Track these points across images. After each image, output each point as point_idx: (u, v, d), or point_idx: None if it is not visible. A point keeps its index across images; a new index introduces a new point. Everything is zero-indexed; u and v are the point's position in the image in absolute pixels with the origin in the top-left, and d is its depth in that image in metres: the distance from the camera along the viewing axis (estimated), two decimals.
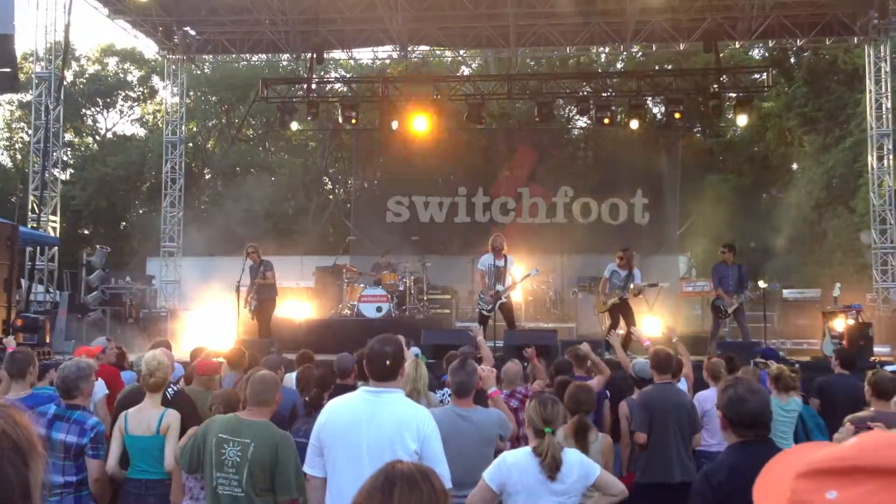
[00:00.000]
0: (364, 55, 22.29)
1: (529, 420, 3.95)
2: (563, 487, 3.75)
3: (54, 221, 17.20)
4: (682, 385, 6.80)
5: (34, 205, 16.84)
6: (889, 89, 17.87)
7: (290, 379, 6.93)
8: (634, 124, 17.93)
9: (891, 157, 17.94)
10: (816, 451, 1.03)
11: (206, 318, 15.17)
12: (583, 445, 4.70)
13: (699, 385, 7.23)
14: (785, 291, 16.21)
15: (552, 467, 3.71)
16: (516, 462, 3.80)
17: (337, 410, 3.78)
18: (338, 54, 22.87)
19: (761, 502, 1.05)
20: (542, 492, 3.73)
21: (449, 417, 4.44)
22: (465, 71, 29.04)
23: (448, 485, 3.55)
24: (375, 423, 3.61)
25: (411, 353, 4.75)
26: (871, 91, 18.07)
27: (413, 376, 5.45)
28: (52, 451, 4.78)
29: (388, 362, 3.75)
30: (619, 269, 11.94)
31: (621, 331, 11.35)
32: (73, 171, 31.68)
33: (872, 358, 11.01)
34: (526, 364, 7.35)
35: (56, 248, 17.07)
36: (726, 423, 3.32)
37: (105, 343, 7.79)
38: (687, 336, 13.73)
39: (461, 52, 21.52)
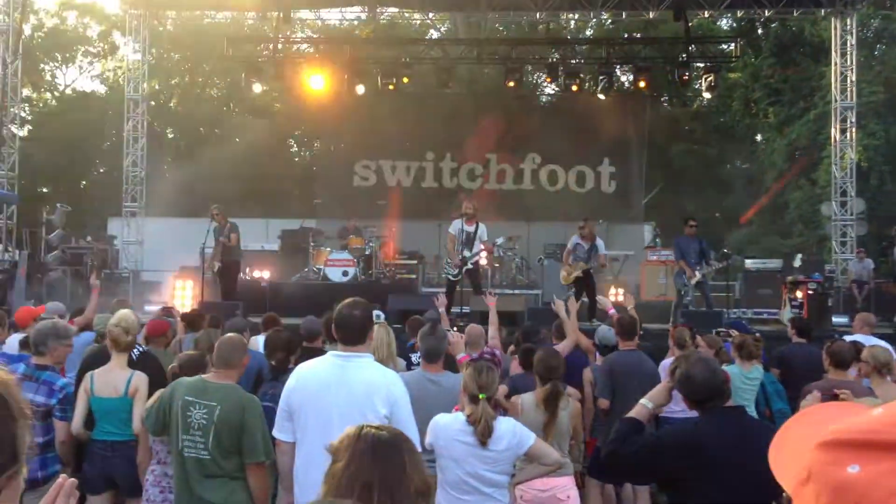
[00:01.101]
0: (332, 16, 21.92)
1: (464, 386, 3.96)
2: (492, 455, 3.77)
3: (13, 178, 16.82)
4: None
5: None
6: (854, 62, 18.04)
7: (256, 342, 6.89)
8: (602, 92, 17.93)
9: (854, 129, 18.18)
10: (838, 418, 0.98)
11: (169, 279, 14.99)
12: (553, 412, 4.73)
13: (657, 354, 7.30)
14: (747, 262, 16.44)
15: (485, 434, 3.73)
16: (445, 426, 3.83)
17: (306, 375, 3.75)
18: (305, 14, 22.46)
19: (778, 471, 1.02)
20: (469, 458, 3.75)
21: (418, 382, 4.45)
22: (434, 34, 28.77)
23: (418, 449, 3.57)
24: (345, 387, 3.59)
25: (375, 315, 4.75)
26: (836, 64, 18.23)
27: (386, 340, 5.44)
28: None
29: (357, 326, 3.73)
30: (582, 241, 12.02)
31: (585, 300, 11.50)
32: (31, 128, 30.94)
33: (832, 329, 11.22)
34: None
35: (15, 206, 16.72)
36: (687, 402, 3.38)
37: (60, 308, 7.50)
38: (651, 304, 13.96)
39: (430, 14, 21.26)
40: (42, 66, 32.84)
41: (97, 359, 5.42)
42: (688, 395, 3.32)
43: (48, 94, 34.12)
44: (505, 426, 3.85)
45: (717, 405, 3.30)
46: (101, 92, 33.53)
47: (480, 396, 3.82)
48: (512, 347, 7.18)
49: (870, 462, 0.88)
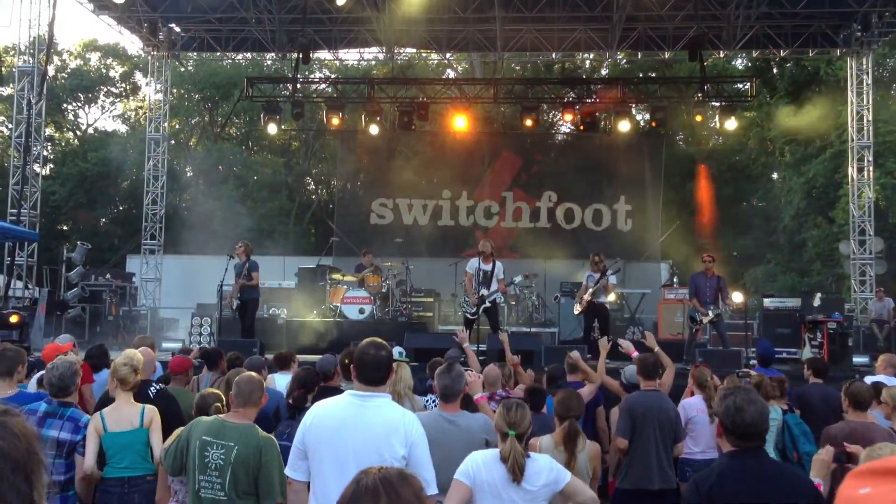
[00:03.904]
0: (350, 56, 22.22)
1: (496, 424, 4.01)
2: (531, 491, 3.77)
3: (34, 217, 17.03)
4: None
5: (14, 200, 16.67)
6: (870, 101, 18.05)
7: (272, 380, 6.89)
8: (618, 130, 18.02)
9: (871, 168, 18.13)
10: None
11: (186, 317, 15.06)
12: (571, 452, 4.70)
13: (675, 394, 7.24)
14: (766, 300, 16.31)
15: (514, 470, 3.74)
16: (485, 461, 3.82)
17: (323, 414, 3.73)
18: (323, 55, 22.80)
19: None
20: (508, 494, 3.75)
21: (436, 422, 4.42)
22: (451, 74, 29.07)
23: (434, 490, 3.55)
24: (363, 427, 3.57)
25: (394, 352, 4.74)
26: (852, 103, 18.25)
27: (393, 379, 5.42)
28: (42, 449, 4.70)
29: (382, 367, 3.74)
30: (594, 272, 12.21)
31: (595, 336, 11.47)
32: (52, 167, 31.38)
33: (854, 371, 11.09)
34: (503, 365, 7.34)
35: (36, 243, 16.90)
36: (722, 431, 3.32)
37: (71, 340, 7.61)
38: (668, 343, 13.84)
39: (447, 55, 21.50)
40: (65, 105, 33.40)
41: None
42: (729, 426, 3.26)
43: (70, 134, 34.64)
44: (542, 463, 3.87)
45: (751, 447, 3.24)
46: (122, 131, 34.05)
47: (510, 433, 3.84)
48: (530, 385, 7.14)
49: (878, 484, 1.03)
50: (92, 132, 34.22)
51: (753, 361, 9.82)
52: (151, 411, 5.00)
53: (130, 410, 4.99)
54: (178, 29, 19.58)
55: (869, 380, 6.62)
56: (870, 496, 1.01)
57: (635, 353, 7.09)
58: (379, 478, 1.76)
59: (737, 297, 12.75)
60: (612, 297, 13.93)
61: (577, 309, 12.59)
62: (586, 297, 12.16)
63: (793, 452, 6.35)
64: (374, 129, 18.00)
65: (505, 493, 3.74)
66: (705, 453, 6.28)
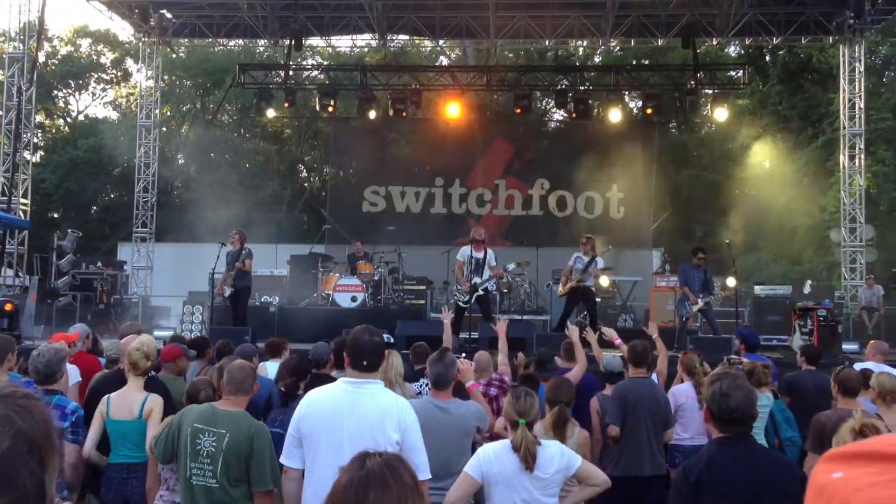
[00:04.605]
0: (342, 43, 22.14)
1: (505, 413, 4.02)
2: (543, 478, 3.78)
3: (25, 204, 16.96)
4: (654, 380, 6.84)
5: (4, 187, 16.60)
6: (862, 89, 18.07)
7: (264, 368, 6.89)
8: (611, 118, 18.03)
9: (862, 156, 18.17)
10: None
11: (178, 305, 15.03)
12: (561, 437, 4.73)
13: (671, 381, 7.29)
14: (756, 288, 16.38)
15: (527, 458, 3.75)
16: (496, 453, 3.83)
17: (317, 401, 3.75)
18: (316, 41, 22.70)
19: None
20: (521, 482, 3.77)
21: (427, 409, 4.43)
22: (444, 61, 29.00)
23: (427, 475, 3.57)
24: (357, 412, 3.60)
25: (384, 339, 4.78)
26: (844, 90, 18.27)
27: (384, 366, 5.43)
28: None
29: (378, 352, 3.76)
30: (584, 255, 12.06)
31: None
32: (43, 154, 31.19)
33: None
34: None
35: (26, 231, 16.83)
36: (709, 416, 3.34)
37: (86, 330, 7.58)
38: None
39: (440, 42, 21.44)
40: (55, 92, 33.16)
41: (106, 384, 5.44)
42: (715, 412, 3.28)
43: (61, 121, 34.42)
44: (554, 449, 3.89)
45: (738, 432, 3.27)
46: (112, 118, 33.83)
47: (520, 422, 3.85)
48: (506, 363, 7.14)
49: (850, 468, 1.01)
50: (82, 119, 34.00)
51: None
52: (153, 402, 5.00)
53: (134, 398, 5.01)
54: (169, 15, 19.47)
55: (858, 367, 6.65)
56: (841, 480, 1.01)
57: (618, 340, 7.12)
58: (383, 462, 1.79)
59: (730, 282, 12.83)
60: (605, 284, 13.93)
61: (560, 290, 12.45)
62: (572, 282, 12.01)
63: (774, 438, 6.40)
64: (366, 117, 17.96)
65: (518, 482, 3.76)
66: (695, 439, 6.31)
